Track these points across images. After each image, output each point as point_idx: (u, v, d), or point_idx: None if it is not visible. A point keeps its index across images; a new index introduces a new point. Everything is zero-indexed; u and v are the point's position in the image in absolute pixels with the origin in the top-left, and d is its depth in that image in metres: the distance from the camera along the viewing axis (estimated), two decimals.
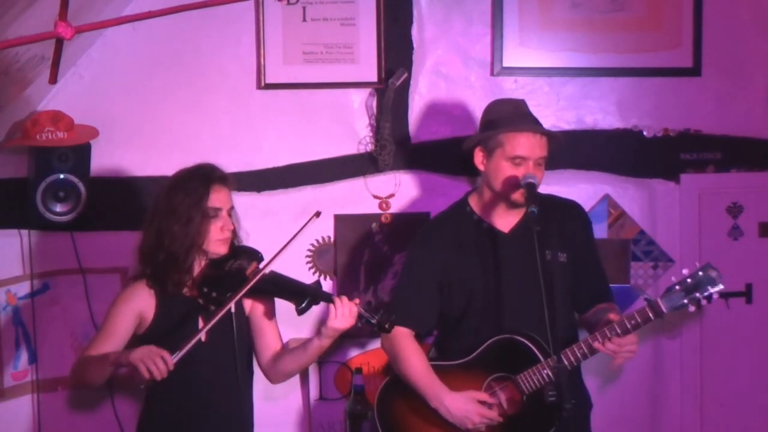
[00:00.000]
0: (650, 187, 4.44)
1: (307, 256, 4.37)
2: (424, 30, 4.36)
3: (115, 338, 3.41)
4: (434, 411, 3.60)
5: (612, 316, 3.49)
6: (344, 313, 3.34)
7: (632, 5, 4.37)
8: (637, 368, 4.37)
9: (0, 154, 4.13)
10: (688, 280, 3.44)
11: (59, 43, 3.55)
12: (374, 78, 4.32)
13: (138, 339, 3.45)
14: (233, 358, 3.48)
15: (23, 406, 4.24)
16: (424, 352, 3.75)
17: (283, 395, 4.33)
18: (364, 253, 4.37)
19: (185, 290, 3.47)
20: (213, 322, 3.31)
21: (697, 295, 3.43)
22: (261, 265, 3.44)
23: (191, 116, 4.29)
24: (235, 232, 3.54)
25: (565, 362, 3.48)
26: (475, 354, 3.63)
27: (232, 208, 3.53)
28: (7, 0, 3.26)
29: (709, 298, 3.44)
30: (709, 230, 4.41)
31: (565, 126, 4.43)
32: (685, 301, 3.44)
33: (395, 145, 4.32)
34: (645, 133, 4.43)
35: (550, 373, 3.49)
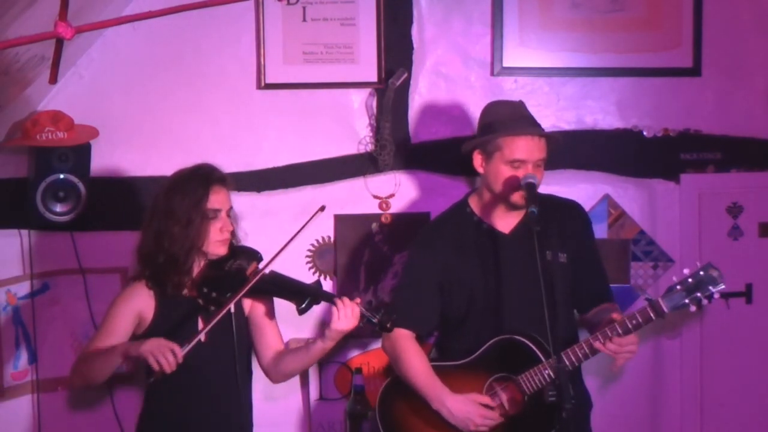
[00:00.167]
0: (650, 187, 4.44)
1: (307, 256, 4.37)
2: (424, 30, 4.36)
3: (114, 338, 3.41)
4: (436, 412, 3.60)
5: (614, 315, 3.49)
6: (347, 315, 3.33)
7: (632, 5, 4.37)
8: (637, 368, 4.37)
9: (0, 154, 4.13)
10: (690, 279, 3.44)
11: (59, 43, 3.54)
12: (374, 78, 4.32)
13: (137, 339, 3.45)
14: (233, 358, 3.47)
15: (23, 406, 4.24)
16: (425, 353, 3.75)
17: (283, 395, 4.33)
18: (364, 253, 4.37)
19: (185, 291, 3.47)
20: (218, 318, 3.31)
21: (699, 294, 3.43)
22: (264, 262, 3.43)
23: (191, 116, 4.29)
24: (234, 233, 3.53)
25: (566, 362, 3.48)
26: (476, 354, 3.63)
27: (231, 208, 3.52)
28: (7, 0, 3.26)
29: (710, 297, 3.44)
30: (709, 230, 4.41)
31: (565, 126, 4.43)
32: (687, 300, 3.44)
33: (395, 145, 4.32)
34: (645, 133, 4.43)
35: (551, 374, 3.49)
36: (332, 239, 4.38)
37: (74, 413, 4.31)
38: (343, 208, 4.33)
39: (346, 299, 3.36)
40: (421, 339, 3.81)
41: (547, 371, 3.51)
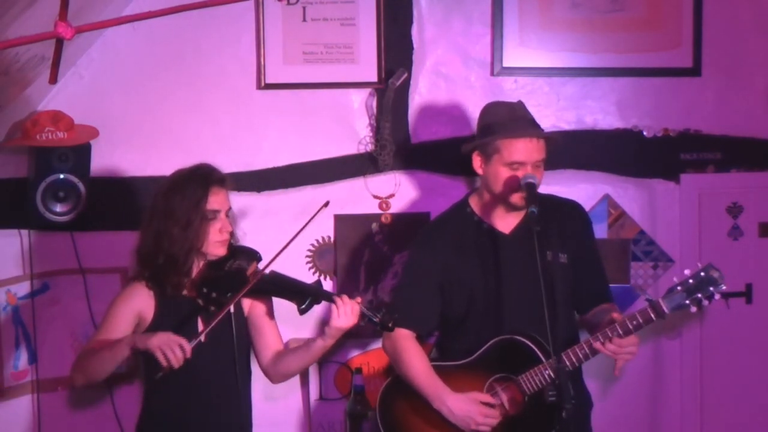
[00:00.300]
0: (650, 187, 4.44)
1: (307, 256, 4.37)
2: (424, 30, 4.36)
3: (115, 337, 3.39)
4: (436, 412, 3.60)
5: (614, 316, 3.49)
6: (346, 312, 3.34)
7: (632, 5, 4.37)
8: (638, 368, 4.37)
9: (0, 154, 4.13)
10: (690, 280, 3.44)
11: (59, 43, 3.54)
12: (374, 78, 4.32)
13: None
14: (232, 358, 3.47)
15: (23, 406, 4.24)
16: (425, 353, 3.75)
17: (283, 395, 4.33)
18: (364, 254, 4.37)
19: (184, 291, 3.47)
20: (220, 317, 3.31)
21: (699, 295, 3.43)
22: (267, 260, 3.42)
23: (191, 116, 4.29)
24: (233, 233, 3.53)
25: (566, 363, 3.48)
26: (476, 355, 3.63)
27: (230, 209, 3.52)
28: (7, 0, 3.26)
29: (710, 297, 3.44)
30: (709, 230, 4.41)
31: (565, 126, 4.43)
32: (687, 301, 3.44)
33: (395, 145, 4.32)
34: (645, 133, 4.43)
35: (552, 374, 3.49)
36: (332, 239, 4.38)
37: (74, 413, 4.32)
38: (343, 208, 4.33)
39: (345, 297, 3.36)
40: (421, 339, 3.81)
41: (547, 371, 3.51)
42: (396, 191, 4.39)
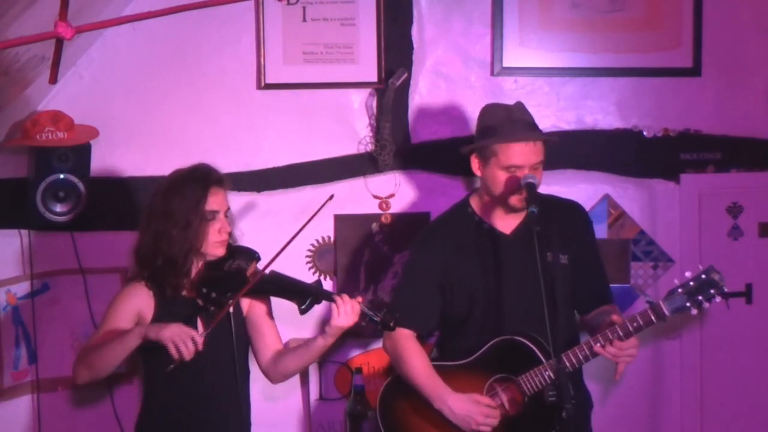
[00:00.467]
0: (650, 187, 4.44)
1: (307, 256, 4.37)
2: (424, 30, 4.36)
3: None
4: (437, 412, 3.60)
5: (614, 317, 3.49)
6: (347, 311, 3.34)
7: (632, 5, 4.37)
8: (638, 368, 4.37)
9: (0, 154, 4.13)
10: (691, 282, 3.45)
11: (59, 43, 3.54)
12: (374, 78, 4.31)
13: None
14: (232, 357, 3.47)
15: (23, 406, 4.25)
16: (426, 352, 3.75)
17: (283, 395, 4.33)
18: (364, 254, 4.37)
19: (183, 292, 3.47)
20: (222, 316, 3.30)
21: (700, 298, 3.44)
22: (269, 258, 3.42)
23: (191, 116, 4.29)
24: (231, 233, 3.53)
25: (566, 364, 3.48)
26: (476, 355, 3.63)
27: (229, 209, 3.52)
28: (7, 0, 3.26)
29: (711, 299, 3.44)
30: (709, 230, 4.41)
31: (565, 126, 4.43)
32: (688, 303, 3.44)
33: (395, 145, 4.32)
34: (645, 133, 4.43)
35: (551, 375, 3.49)
36: (332, 239, 4.38)
37: (74, 413, 4.32)
38: (343, 208, 4.33)
39: (345, 296, 3.36)
40: (421, 339, 3.81)
41: (547, 372, 3.51)
42: (396, 191, 4.39)
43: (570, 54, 4.38)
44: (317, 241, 4.37)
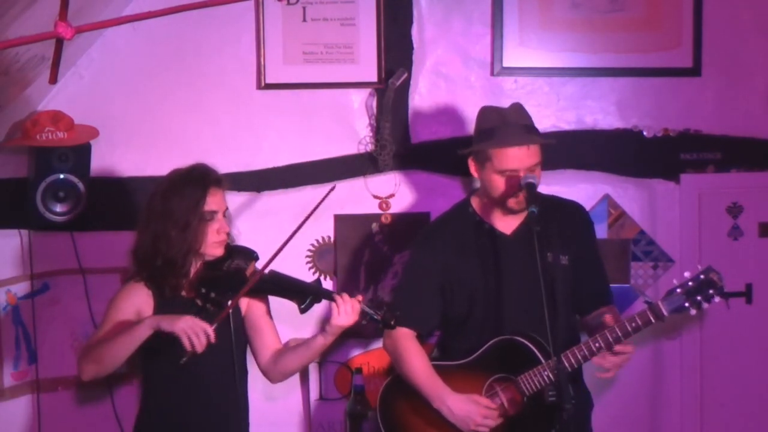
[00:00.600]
0: (650, 187, 4.44)
1: (307, 256, 4.37)
2: (424, 30, 4.36)
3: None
4: (437, 412, 3.60)
5: (606, 318, 3.51)
6: (347, 311, 3.34)
7: (632, 5, 4.37)
8: (638, 369, 4.37)
9: (0, 154, 4.13)
10: (690, 282, 3.45)
11: (59, 43, 3.54)
12: (374, 78, 4.31)
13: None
14: (231, 357, 3.47)
15: (23, 406, 4.25)
16: (426, 352, 3.75)
17: (283, 395, 4.33)
18: (364, 254, 4.37)
19: (183, 292, 3.47)
20: (224, 314, 3.31)
21: (699, 298, 3.44)
22: (270, 255, 3.42)
23: (191, 116, 4.29)
24: (229, 233, 3.53)
25: (566, 364, 3.48)
26: (476, 355, 3.63)
27: (227, 209, 3.52)
28: (7, 0, 3.26)
29: (710, 300, 3.44)
30: (709, 230, 4.41)
31: (565, 126, 4.42)
32: (686, 304, 3.44)
33: (395, 145, 4.32)
34: (645, 133, 4.43)
35: (550, 375, 3.49)
36: (332, 239, 4.38)
37: (74, 413, 4.31)
38: (343, 208, 4.33)
39: (345, 295, 3.36)
40: (422, 338, 3.81)
41: (546, 372, 3.51)
42: (396, 191, 4.39)
43: (570, 54, 4.38)
44: (317, 241, 4.37)
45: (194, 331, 3.19)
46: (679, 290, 3.45)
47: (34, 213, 4.05)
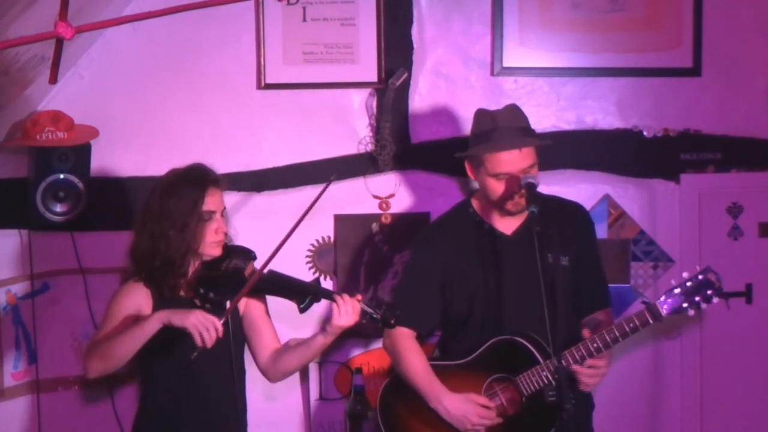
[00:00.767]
0: (650, 187, 4.44)
1: (307, 256, 4.37)
2: (424, 30, 4.36)
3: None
4: (435, 411, 3.60)
5: (585, 333, 3.52)
6: (347, 311, 3.34)
7: (632, 5, 4.37)
8: (638, 368, 4.37)
9: (0, 154, 4.13)
10: (688, 283, 3.44)
11: (59, 43, 3.53)
12: (374, 78, 4.32)
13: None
14: (229, 356, 3.46)
15: (23, 406, 4.25)
16: (425, 352, 3.75)
17: (283, 395, 4.33)
18: (364, 254, 4.37)
19: (181, 292, 3.46)
20: (228, 313, 3.31)
21: (697, 299, 3.44)
22: (272, 252, 3.41)
23: (191, 116, 4.29)
24: (226, 233, 3.52)
25: (564, 364, 3.48)
26: (475, 354, 3.63)
27: (225, 209, 3.51)
28: (7, 0, 3.26)
29: (708, 300, 3.44)
30: (709, 230, 4.41)
31: (565, 126, 4.42)
32: (685, 304, 3.44)
33: (395, 145, 4.32)
34: (645, 133, 4.43)
35: (549, 376, 3.49)
36: (332, 239, 4.38)
37: (74, 413, 4.31)
38: (343, 208, 4.33)
39: (346, 296, 3.36)
40: (422, 338, 3.81)
41: (544, 373, 3.51)
42: (396, 191, 4.39)
43: (570, 54, 4.38)
44: (317, 241, 4.37)
45: (205, 327, 3.18)
46: (677, 291, 3.45)
47: (34, 213, 4.06)
